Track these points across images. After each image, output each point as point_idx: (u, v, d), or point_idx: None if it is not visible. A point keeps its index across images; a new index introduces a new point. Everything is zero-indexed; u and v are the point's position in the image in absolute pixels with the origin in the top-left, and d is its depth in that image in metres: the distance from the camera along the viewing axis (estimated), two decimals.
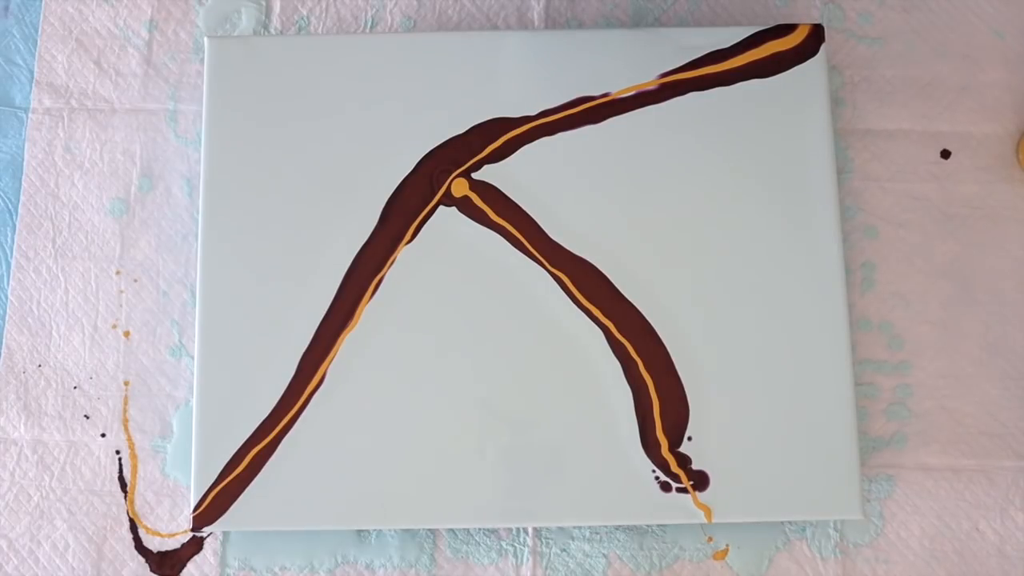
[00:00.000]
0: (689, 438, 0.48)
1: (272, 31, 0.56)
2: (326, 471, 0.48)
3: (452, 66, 0.52)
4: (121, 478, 0.51)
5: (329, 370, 0.49)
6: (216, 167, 0.51)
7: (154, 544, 0.51)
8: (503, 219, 0.51)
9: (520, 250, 0.50)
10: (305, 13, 0.57)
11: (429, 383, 0.49)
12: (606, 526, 0.50)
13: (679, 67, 0.52)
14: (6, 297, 0.53)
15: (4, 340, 0.53)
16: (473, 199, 0.51)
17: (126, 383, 0.52)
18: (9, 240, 0.54)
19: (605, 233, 0.51)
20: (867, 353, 0.52)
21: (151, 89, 0.56)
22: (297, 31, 0.56)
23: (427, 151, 0.51)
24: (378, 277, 0.50)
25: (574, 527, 0.50)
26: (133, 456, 0.51)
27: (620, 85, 0.52)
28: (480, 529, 0.50)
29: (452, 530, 0.50)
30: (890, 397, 0.52)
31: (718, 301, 0.50)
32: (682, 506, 0.48)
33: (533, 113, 0.52)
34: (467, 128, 0.51)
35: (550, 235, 0.50)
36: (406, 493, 0.48)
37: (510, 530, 0.50)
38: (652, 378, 0.49)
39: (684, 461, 0.48)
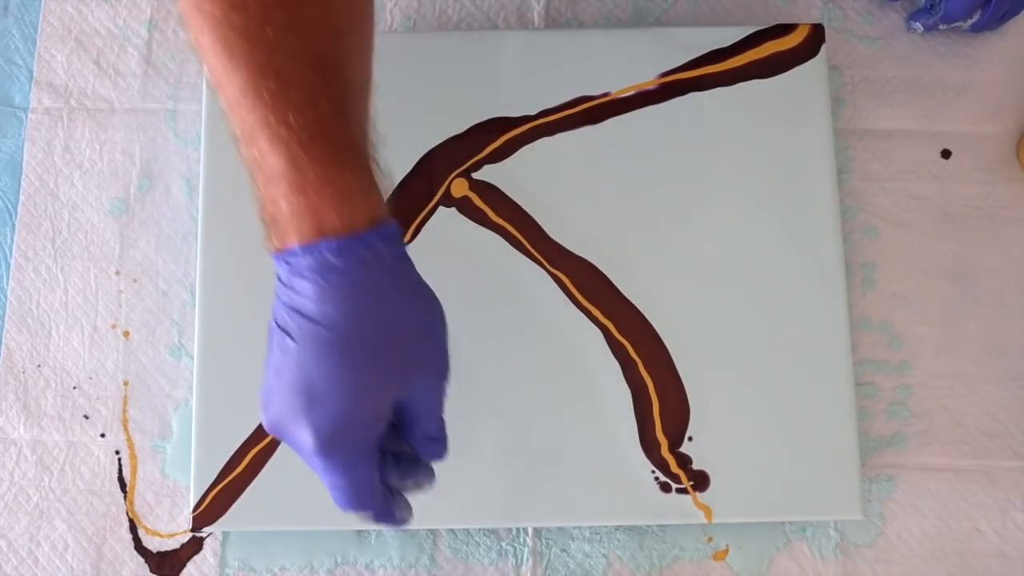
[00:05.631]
0: (690, 438, 0.48)
1: None
2: None
3: (452, 66, 0.52)
4: (121, 478, 0.51)
5: None
6: (216, 167, 0.51)
7: (154, 544, 0.50)
8: (503, 219, 0.51)
9: (520, 250, 0.50)
10: None
11: None
12: (606, 526, 0.50)
13: (679, 67, 0.52)
14: (5, 297, 0.53)
15: (3, 340, 0.53)
16: (473, 199, 0.51)
17: (126, 383, 0.52)
18: (8, 240, 0.54)
19: (605, 233, 0.51)
20: (867, 353, 0.52)
21: (151, 89, 0.56)
22: None
23: (427, 151, 0.51)
24: None
25: (574, 527, 0.50)
26: (133, 456, 0.51)
27: (620, 85, 0.52)
28: (480, 529, 0.50)
29: (452, 530, 0.50)
30: (890, 397, 0.52)
31: (718, 301, 0.50)
32: (682, 506, 0.48)
33: (533, 113, 0.52)
34: (467, 128, 0.51)
35: (550, 235, 0.50)
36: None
37: (510, 530, 0.50)
38: (652, 378, 0.49)
39: (684, 461, 0.48)
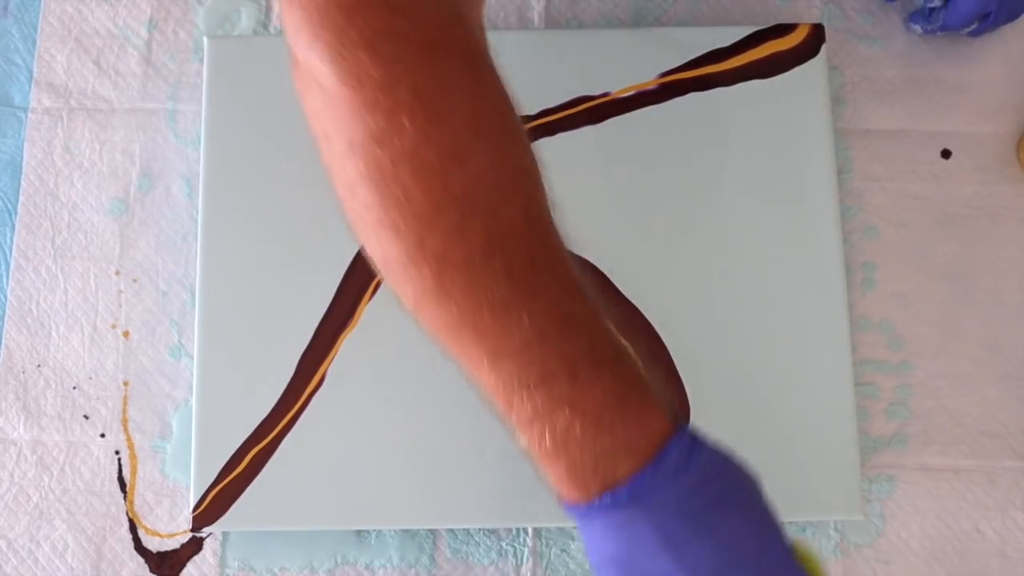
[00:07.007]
0: None
1: (272, 31, 0.56)
2: (326, 471, 0.48)
3: None
4: (120, 478, 0.51)
5: (329, 370, 0.49)
6: (215, 167, 0.51)
7: (153, 544, 0.50)
8: None
9: None
10: None
11: (429, 383, 0.49)
12: None
13: (679, 67, 0.52)
14: (5, 297, 0.53)
15: (3, 340, 0.53)
16: None
17: (125, 383, 0.52)
18: (8, 240, 0.54)
19: (605, 233, 0.51)
20: (867, 353, 0.52)
21: (150, 89, 0.56)
22: None
23: None
24: (378, 277, 0.50)
25: (574, 527, 0.50)
26: (132, 456, 0.51)
27: (620, 85, 0.52)
28: (480, 529, 0.50)
29: (452, 530, 0.50)
30: (890, 397, 0.52)
31: (718, 301, 0.50)
32: None
33: (533, 113, 0.52)
34: None
35: None
36: (406, 493, 0.48)
37: (510, 530, 0.50)
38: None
39: None
